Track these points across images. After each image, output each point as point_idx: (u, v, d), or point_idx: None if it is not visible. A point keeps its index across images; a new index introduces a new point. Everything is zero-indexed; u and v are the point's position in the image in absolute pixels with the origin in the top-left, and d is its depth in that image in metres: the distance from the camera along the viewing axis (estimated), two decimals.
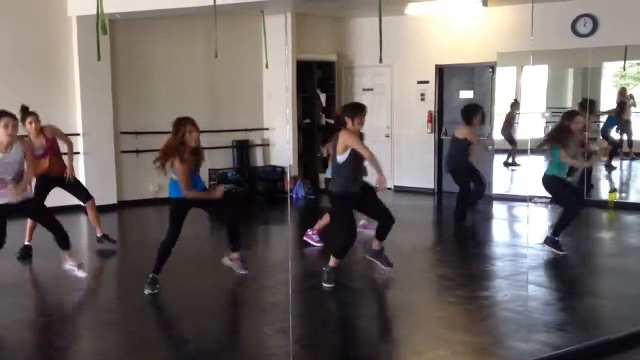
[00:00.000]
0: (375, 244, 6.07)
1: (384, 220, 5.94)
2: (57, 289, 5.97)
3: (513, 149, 11.25)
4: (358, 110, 5.78)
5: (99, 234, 7.41)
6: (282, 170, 10.91)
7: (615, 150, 10.95)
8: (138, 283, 6.15)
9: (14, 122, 5.50)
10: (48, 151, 6.84)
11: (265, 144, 11.39)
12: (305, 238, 7.32)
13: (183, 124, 5.62)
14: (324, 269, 5.78)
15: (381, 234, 6.01)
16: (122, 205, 9.89)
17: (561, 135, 6.72)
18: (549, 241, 6.76)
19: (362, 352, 4.52)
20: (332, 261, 5.78)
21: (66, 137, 7.21)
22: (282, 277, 5.96)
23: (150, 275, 5.69)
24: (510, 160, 11.34)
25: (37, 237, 7.20)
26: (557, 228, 6.77)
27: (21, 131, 6.00)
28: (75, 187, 7.23)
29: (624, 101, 10.72)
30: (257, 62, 10.74)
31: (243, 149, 10.98)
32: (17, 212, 5.67)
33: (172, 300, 5.56)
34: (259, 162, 11.21)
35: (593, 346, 4.34)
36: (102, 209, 9.36)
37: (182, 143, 5.57)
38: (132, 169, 10.18)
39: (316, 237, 7.28)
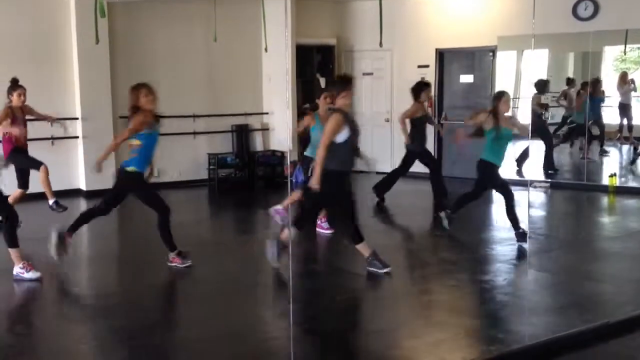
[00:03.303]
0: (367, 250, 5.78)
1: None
2: (54, 272, 5.97)
3: None
4: (346, 83, 5.55)
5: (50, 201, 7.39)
6: (282, 155, 10.88)
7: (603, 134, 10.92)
8: (137, 267, 6.18)
9: None
10: (25, 124, 7.15)
11: (265, 129, 11.36)
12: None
13: (137, 89, 5.83)
14: (368, 259, 5.64)
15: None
16: None
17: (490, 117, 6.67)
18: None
19: (363, 336, 4.53)
20: (364, 249, 5.63)
21: (40, 114, 7.53)
22: (282, 262, 5.96)
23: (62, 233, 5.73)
24: None
25: (31, 220, 7.21)
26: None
27: None
28: (22, 167, 7.31)
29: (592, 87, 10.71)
30: (257, 46, 10.69)
31: (242, 133, 10.95)
32: None
33: (170, 286, 5.57)
34: (259, 146, 11.19)
35: (593, 330, 4.35)
36: (102, 194, 9.37)
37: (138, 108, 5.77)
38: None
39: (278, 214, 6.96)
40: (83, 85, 9.45)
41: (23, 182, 7.30)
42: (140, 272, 5.99)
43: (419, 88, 8.56)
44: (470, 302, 5.16)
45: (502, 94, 6.82)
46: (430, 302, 5.28)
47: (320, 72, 11.67)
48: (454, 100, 10.81)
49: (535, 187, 9.41)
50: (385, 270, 5.57)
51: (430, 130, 9.37)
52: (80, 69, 9.43)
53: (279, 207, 6.94)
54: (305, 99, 11.56)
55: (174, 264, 5.80)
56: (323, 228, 7.07)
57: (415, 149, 8.57)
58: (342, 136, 5.48)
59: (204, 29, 10.11)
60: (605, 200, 9.19)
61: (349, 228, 5.63)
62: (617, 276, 5.78)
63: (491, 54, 10.53)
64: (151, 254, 6.51)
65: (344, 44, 11.87)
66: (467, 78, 10.82)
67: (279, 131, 11.13)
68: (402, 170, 8.76)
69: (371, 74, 11.72)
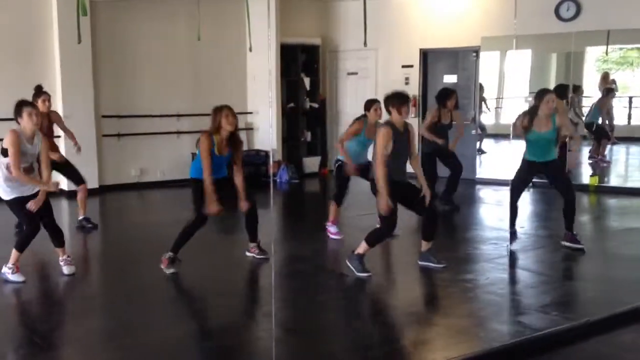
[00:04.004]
0: (424, 245, 5.84)
1: (426, 216, 5.71)
2: (40, 273, 5.93)
3: (482, 134, 11.31)
4: (404, 99, 5.53)
5: (80, 216, 7.47)
6: (266, 155, 10.87)
7: (605, 140, 10.97)
8: (121, 267, 6.15)
9: (37, 111, 5.45)
10: (48, 133, 6.97)
11: (249, 128, 11.35)
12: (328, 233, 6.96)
13: (219, 110, 5.77)
14: (353, 252, 5.58)
15: (426, 234, 5.81)
16: (103, 190, 9.81)
17: (529, 116, 6.22)
18: (568, 237, 6.37)
19: (345, 335, 4.53)
20: (362, 248, 5.57)
21: (66, 127, 7.46)
22: (264, 262, 5.97)
23: (170, 254, 5.69)
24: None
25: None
26: (568, 220, 6.33)
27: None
28: (68, 170, 7.37)
29: (610, 88, 10.75)
30: (241, 45, 10.66)
31: None
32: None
33: (154, 286, 5.53)
34: (243, 146, 11.15)
35: (573, 328, 4.39)
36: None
37: (218, 128, 5.71)
38: (113, 153, 10.11)
39: (333, 229, 6.90)
40: (65, 84, 9.38)
41: (76, 179, 7.36)
42: (124, 273, 5.96)
43: (443, 95, 8.21)
44: (452, 301, 5.18)
45: (543, 93, 6.20)
46: (413, 301, 5.30)
47: (305, 71, 11.68)
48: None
49: None
50: (360, 275, 5.52)
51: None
52: (63, 68, 9.37)
53: (331, 227, 6.90)
54: (290, 98, 11.57)
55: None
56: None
57: (429, 150, 8.30)
58: (388, 148, 5.43)
59: (188, 27, 10.07)
60: (586, 199, 9.27)
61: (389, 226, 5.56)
62: (598, 275, 5.83)
63: (474, 54, 10.60)
64: (135, 255, 6.49)
65: (329, 43, 11.89)
66: (450, 78, 10.87)
67: (263, 130, 11.13)
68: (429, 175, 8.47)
69: (356, 73, 11.75)
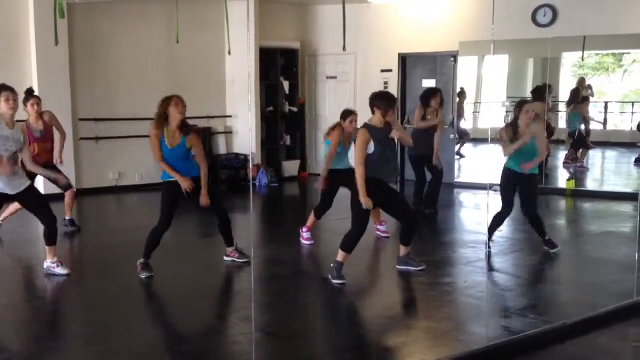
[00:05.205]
0: (402, 250, 5.84)
1: (406, 221, 5.72)
2: (12, 278, 5.86)
3: (464, 139, 11.38)
4: (391, 103, 5.46)
5: (66, 217, 7.46)
6: (245, 158, 10.86)
7: (584, 149, 11.07)
8: (99, 271, 6.10)
9: (14, 96, 5.48)
10: (44, 136, 6.97)
11: (228, 132, 11.31)
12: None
13: (167, 99, 5.67)
14: (331, 264, 5.55)
15: (404, 238, 5.80)
16: (81, 193, 9.70)
17: (512, 127, 6.27)
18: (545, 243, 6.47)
19: (324, 339, 4.53)
20: (340, 255, 5.52)
21: (61, 126, 7.38)
22: (245, 265, 5.96)
23: (142, 260, 5.67)
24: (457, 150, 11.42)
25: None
26: (539, 231, 6.47)
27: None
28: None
29: (585, 96, 10.85)
30: (220, 48, 10.64)
31: (206, 136, 10.89)
32: (14, 200, 5.64)
33: (132, 290, 5.50)
34: (222, 149, 11.14)
35: (550, 331, 4.43)
36: (61, 197, 9.22)
37: (166, 118, 5.61)
38: (91, 156, 10.02)
39: (306, 235, 6.84)
40: (42, 87, 9.26)
41: (62, 185, 7.27)
42: (102, 277, 5.91)
43: (427, 94, 8.24)
44: (431, 304, 5.21)
45: (522, 104, 6.35)
46: (392, 304, 5.32)
47: (284, 75, 11.67)
48: (416, 104, 10.90)
49: (495, 190, 9.52)
50: (334, 282, 5.49)
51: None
52: (39, 71, 9.27)
53: (304, 232, 6.87)
54: (269, 102, 11.56)
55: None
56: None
57: (415, 153, 8.25)
58: (370, 148, 5.38)
59: (166, 30, 10.03)
60: (562, 203, 9.37)
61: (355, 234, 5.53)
62: (574, 278, 5.90)
63: (452, 59, 10.67)
64: (113, 259, 6.44)
65: (308, 47, 11.90)
66: (429, 82, 10.91)
67: (242, 134, 11.11)
68: (418, 179, 8.43)
69: (335, 77, 11.77)
